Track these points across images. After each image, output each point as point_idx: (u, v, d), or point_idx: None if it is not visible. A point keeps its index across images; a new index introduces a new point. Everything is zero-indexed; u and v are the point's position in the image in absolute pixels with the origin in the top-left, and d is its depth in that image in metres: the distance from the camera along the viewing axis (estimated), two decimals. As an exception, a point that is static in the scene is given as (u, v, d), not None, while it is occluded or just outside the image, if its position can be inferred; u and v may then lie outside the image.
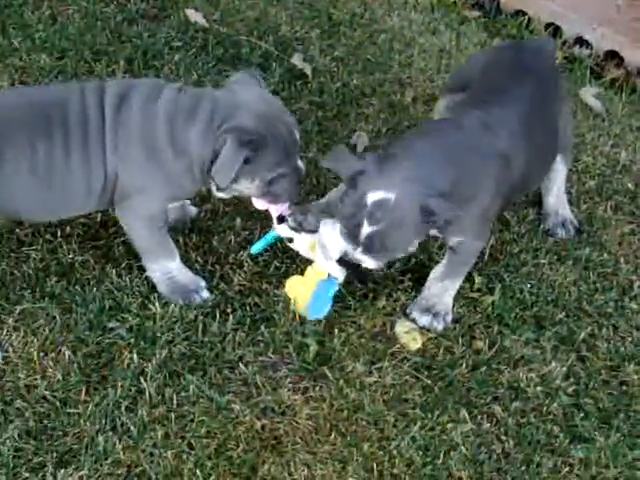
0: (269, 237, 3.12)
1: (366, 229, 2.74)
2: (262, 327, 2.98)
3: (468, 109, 3.04)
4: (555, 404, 2.90)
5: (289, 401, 2.82)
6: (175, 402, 2.74)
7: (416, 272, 3.21)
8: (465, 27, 4.22)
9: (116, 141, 2.85)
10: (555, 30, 4.20)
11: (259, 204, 3.02)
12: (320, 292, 2.99)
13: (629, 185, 3.63)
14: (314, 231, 2.96)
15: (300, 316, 2.99)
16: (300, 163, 2.94)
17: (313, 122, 3.72)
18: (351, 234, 2.77)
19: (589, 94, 4.01)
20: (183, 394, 2.77)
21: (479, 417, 2.85)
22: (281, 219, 3.04)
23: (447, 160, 2.80)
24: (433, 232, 2.92)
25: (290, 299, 3.02)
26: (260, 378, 2.85)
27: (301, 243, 3.04)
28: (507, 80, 3.12)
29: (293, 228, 3.03)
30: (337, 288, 3.02)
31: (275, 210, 3.03)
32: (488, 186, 2.90)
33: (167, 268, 3.01)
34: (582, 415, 2.90)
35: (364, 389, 2.88)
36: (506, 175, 2.94)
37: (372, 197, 2.72)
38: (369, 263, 2.83)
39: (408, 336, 3.05)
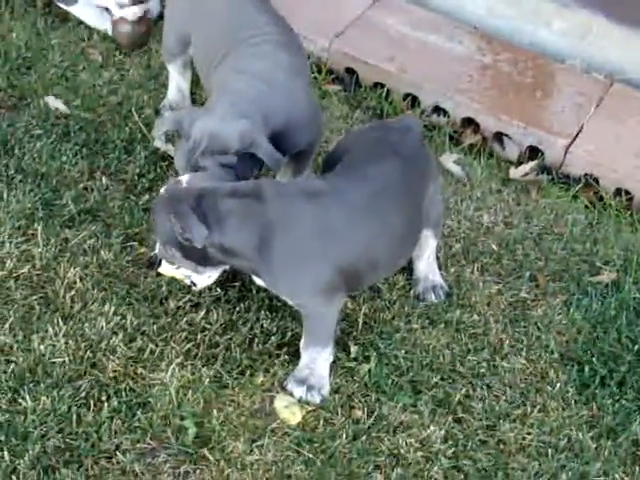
0: None
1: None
2: (139, 413, 2.94)
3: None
4: (435, 468, 2.93)
5: (169, 487, 2.78)
6: (51, 498, 2.67)
7: (292, 345, 3.22)
8: (327, 101, 4.30)
9: None
10: (413, 100, 4.32)
11: None
12: None
13: (493, 246, 3.73)
14: None
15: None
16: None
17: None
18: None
19: (450, 160, 4.12)
20: (59, 489, 2.70)
21: (361, 487, 2.86)
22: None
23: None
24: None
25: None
26: (139, 466, 2.80)
27: None
28: (365, 159, 3.12)
29: None
30: None
31: None
32: (315, 254, 2.94)
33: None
34: (462, 477, 2.93)
35: (245, 468, 2.85)
36: (335, 247, 2.94)
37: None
38: None
39: (287, 411, 3.05)
